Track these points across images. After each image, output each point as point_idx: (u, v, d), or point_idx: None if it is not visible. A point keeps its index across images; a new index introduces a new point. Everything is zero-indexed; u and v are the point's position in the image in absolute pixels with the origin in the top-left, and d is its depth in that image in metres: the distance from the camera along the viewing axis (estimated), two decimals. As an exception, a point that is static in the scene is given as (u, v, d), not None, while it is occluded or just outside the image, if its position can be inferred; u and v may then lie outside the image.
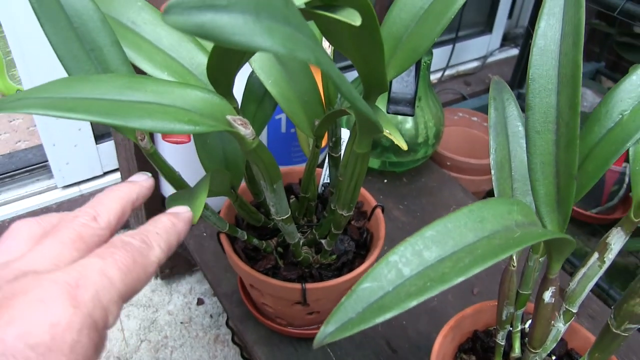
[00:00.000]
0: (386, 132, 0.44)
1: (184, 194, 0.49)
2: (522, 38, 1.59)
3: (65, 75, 0.51)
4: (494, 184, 0.56)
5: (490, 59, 1.73)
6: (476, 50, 1.71)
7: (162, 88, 0.41)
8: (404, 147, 0.44)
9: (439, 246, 0.36)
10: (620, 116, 0.50)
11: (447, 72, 1.62)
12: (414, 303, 0.33)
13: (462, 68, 1.68)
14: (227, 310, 0.82)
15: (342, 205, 0.57)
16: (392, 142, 0.97)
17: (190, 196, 0.47)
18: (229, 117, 0.42)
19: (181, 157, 0.85)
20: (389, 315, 0.32)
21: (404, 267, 0.35)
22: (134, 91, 0.40)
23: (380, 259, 0.34)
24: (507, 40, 1.80)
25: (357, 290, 0.34)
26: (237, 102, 0.54)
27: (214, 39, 0.26)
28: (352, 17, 0.33)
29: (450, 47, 1.55)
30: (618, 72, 1.84)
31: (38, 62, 0.94)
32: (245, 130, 0.43)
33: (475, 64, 1.72)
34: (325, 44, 0.58)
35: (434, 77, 1.58)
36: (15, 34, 0.90)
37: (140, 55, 0.51)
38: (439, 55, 1.57)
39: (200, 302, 1.06)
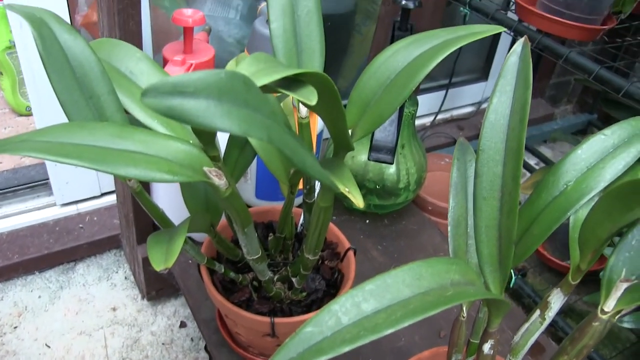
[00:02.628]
0: (345, 190, 0.49)
1: (164, 235, 0.54)
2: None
3: None
4: (449, 240, 0.61)
5: (484, 105, 1.79)
6: (471, 96, 1.77)
7: (148, 138, 0.47)
8: (360, 204, 0.49)
9: (377, 299, 0.41)
10: (565, 186, 0.55)
11: (441, 116, 1.68)
12: (347, 349, 0.37)
13: (456, 112, 1.74)
14: (205, 335, 0.87)
15: (308, 250, 0.62)
16: (376, 185, 1.03)
17: (169, 238, 0.52)
18: (205, 169, 0.47)
19: (171, 190, 0.90)
20: (324, 358, 0.37)
21: (343, 316, 0.40)
22: (123, 140, 0.46)
23: (323, 306, 0.39)
24: (502, 88, 1.85)
25: (300, 333, 0.39)
26: (219, 149, 0.59)
27: (181, 120, 0.32)
28: (309, 97, 0.38)
29: (444, 92, 1.61)
30: (609, 124, 1.89)
31: (46, 84, 0.99)
32: (219, 181, 0.48)
33: (469, 109, 1.77)
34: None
35: (427, 120, 1.64)
36: (27, 56, 0.96)
37: (134, 103, 0.57)
38: (433, 99, 1.62)
39: (182, 324, 1.10)
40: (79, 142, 0.44)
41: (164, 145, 0.47)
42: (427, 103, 1.63)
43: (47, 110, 1.01)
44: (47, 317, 1.08)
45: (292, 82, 0.41)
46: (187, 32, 0.81)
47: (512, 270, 1.16)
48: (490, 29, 0.56)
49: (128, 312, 1.11)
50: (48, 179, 1.14)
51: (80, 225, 1.15)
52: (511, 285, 1.19)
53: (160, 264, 0.49)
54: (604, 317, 0.48)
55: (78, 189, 1.16)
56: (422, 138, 1.59)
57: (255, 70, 0.39)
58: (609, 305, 0.48)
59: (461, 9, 1.20)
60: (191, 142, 0.49)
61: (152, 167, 0.44)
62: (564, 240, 1.33)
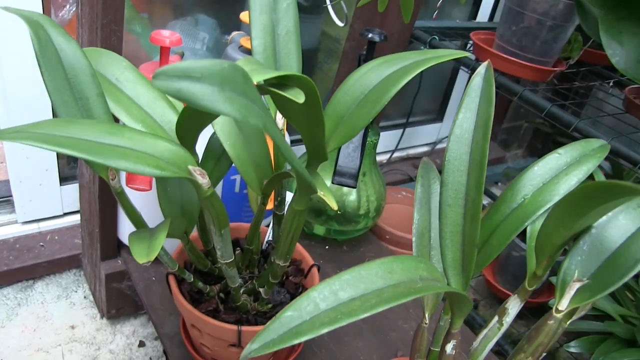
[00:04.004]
0: (320, 193, 0.53)
1: (144, 233, 0.56)
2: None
3: (38, 117, 0.57)
4: (413, 249, 0.64)
5: (439, 146, 1.86)
6: (427, 136, 1.83)
7: (136, 136, 0.49)
8: (334, 207, 0.52)
9: (352, 288, 0.44)
10: (523, 199, 0.60)
11: (397, 154, 1.73)
12: (325, 330, 0.40)
13: (412, 151, 1.80)
14: (168, 350, 0.88)
15: (280, 255, 0.64)
16: (336, 211, 1.06)
17: (150, 236, 0.55)
18: (190, 167, 0.50)
19: (140, 203, 0.91)
20: (303, 339, 0.40)
21: (321, 302, 0.42)
22: (113, 136, 0.48)
23: (302, 293, 0.42)
24: (456, 130, 1.93)
25: (281, 317, 0.41)
26: (198, 157, 0.62)
27: (188, 101, 0.35)
28: (297, 96, 0.42)
29: (401, 130, 1.66)
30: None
31: (17, 97, 1.00)
32: (202, 179, 0.51)
33: (425, 148, 1.84)
34: (279, 116, 0.67)
35: (383, 157, 1.69)
36: (0, 74, 0.97)
37: (120, 108, 0.59)
38: (390, 137, 1.68)
39: (141, 344, 1.11)
40: (71, 135, 0.46)
41: (152, 144, 0.49)
42: (385, 141, 1.69)
43: (16, 122, 1.02)
44: (3, 333, 1.06)
45: (277, 86, 0.45)
46: (164, 52, 0.84)
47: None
48: (454, 53, 0.61)
49: (87, 331, 1.10)
50: (11, 195, 1.14)
51: (41, 244, 1.15)
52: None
53: (142, 257, 0.51)
54: (559, 315, 0.52)
55: (41, 208, 1.16)
56: (379, 173, 1.64)
57: (249, 69, 0.42)
58: (563, 304, 0.52)
59: (422, 47, 1.26)
60: (176, 142, 0.51)
61: (141, 161, 0.47)
62: (515, 272, 1.38)
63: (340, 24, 1.12)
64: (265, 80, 0.44)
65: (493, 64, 1.18)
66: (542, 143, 2.07)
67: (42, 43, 0.52)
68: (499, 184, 1.97)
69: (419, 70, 0.57)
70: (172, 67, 0.34)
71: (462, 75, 1.77)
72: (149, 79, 0.84)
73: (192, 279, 0.72)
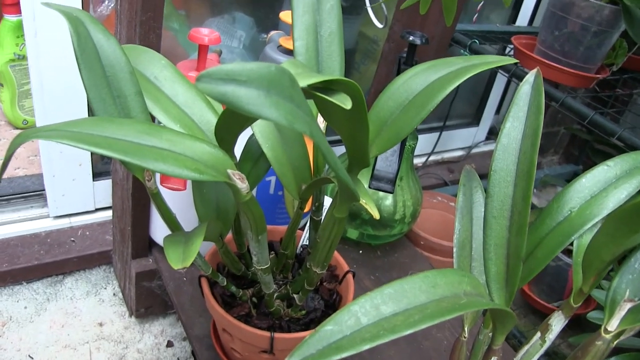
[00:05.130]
0: (362, 201, 0.51)
1: (180, 237, 0.55)
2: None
3: (73, 112, 0.56)
4: (454, 260, 0.62)
5: (474, 150, 1.83)
6: (462, 140, 1.81)
7: (175, 138, 0.48)
8: (376, 215, 0.51)
9: (395, 302, 0.42)
10: (569, 212, 0.57)
11: (433, 158, 1.71)
12: (367, 347, 0.38)
13: (447, 155, 1.77)
14: (197, 352, 0.87)
15: (317, 263, 0.63)
16: (371, 216, 1.04)
17: (186, 241, 0.53)
18: (229, 171, 0.49)
19: (174, 204, 0.91)
20: (344, 355, 0.38)
21: (363, 317, 0.41)
22: (151, 137, 0.47)
23: (343, 307, 0.40)
24: (492, 134, 1.90)
25: (320, 331, 0.39)
26: (236, 159, 0.61)
27: (233, 105, 0.33)
28: (344, 101, 0.40)
29: (437, 134, 1.64)
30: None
31: (53, 96, 1.00)
32: (241, 184, 0.49)
33: (460, 152, 1.81)
34: (320, 119, 0.65)
35: (419, 161, 1.67)
36: (38, 66, 0.97)
37: (157, 107, 0.58)
38: (426, 141, 1.66)
39: (169, 344, 1.10)
40: (108, 135, 0.45)
41: (190, 145, 0.48)
42: (421, 144, 1.66)
43: (52, 122, 1.02)
44: (32, 328, 1.07)
45: (324, 90, 0.43)
46: (202, 50, 0.83)
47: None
48: (502, 59, 0.59)
49: (115, 329, 1.10)
50: (44, 190, 1.14)
51: (72, 239, 1.15)
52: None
53: (178, 263, 0.50)
54: (607, 336, 0.50)
55: (73, 203, 1.16)
56: (413, 177, 1.61)
57: (295, 72, 0.41)
58: (613, 324, 0.49)
59: (462, 51, 1.24)
60: (215, 145, 0.50)
61: (180, 163, 0.45)
62: (551, 282, 1.35)
63: (380, 26, 1.10)
64: (309, 85, 0.42)
65: (533, 69, 1.15)
66: (579, 149, 2.03)
67: (81, 39, 0.51)
68: (535, 190, 1.93)
69: (466, 77, 0.56)
70: (217, 69, 0.33)
71: (500, 79, 1.74)
72: (186, 77, 0.83)
73: (225, 283, 0.71)
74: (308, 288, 0.68)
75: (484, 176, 0.59)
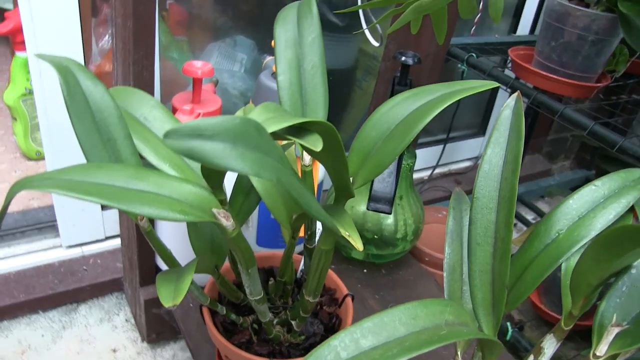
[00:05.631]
0: (345, 234, 0.52)
1: (172, 275, 0.56)
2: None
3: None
4: (444, 285, 0.63)
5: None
6: (469, 150, 1.81)
7: (161, 180, 0.49)
8: (360, 248, 0.52)
9: (374, 336, 0.43)
10: (557, 234, 0.58)
11: (439, 170, 1.71)
12: (345, 381, 0.40)
13: (454, 167, 1.78)
14: (204, 378, 0.88)
15: (309, 292, 0.64)
16: (374, 235, 1.05)
17: (177, 278, 0.55)
18: (214, 210, 0.50)
19: (176, 231, 0.93)
20: (323, 389, 0.39)
21: (342, 351, 0.42)
22: (138, 181, 0.48)
23: (323, 342, 0.41)
24: (500, 143, 1.89)
25: (302, 366, 0.41)
26: (225, 193, 0.62)
27: (200, 160, 0.35)
28: (315, 144, 0.41)
29: (442, 146, 1.64)
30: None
31: (59, 129, 1.03)
32: (226, 222, 0.51)
33: (467, 163, 1.81)
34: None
35: (425, 174, 1.67)
36: (43, 102, 0.99)
37: (147, 147, 0.60)
38: (431, 154, 1.66)
39: (181, 368, 1.12)
40: (98, 181, 0.47)
41: (176, 187, 0.50)
42: (425, 157, 1.67)
43: (59, 153, 1.04)
44: (49, 355, 1.09)
45: (299, 130, 0.44)
46: (196, 82, 0.85)
47: (508, 323, 1.18)
48: (485, 84, 0.59)
49: (128, 354, 1.12)
50: (55, 220, 1.16)
51: (84, 267, 1.17)
52: (507, 337, 1.21)
53: (168, 301, 0.51)
54: (594, 360, 0.50)
55: (83, 232, 1.19)
56: (420, 191, 1.62)
57: (265, 118, 0.42)
58: (601, 349, 0.50)
59: (459, 65, 1.25)
60: (201, 184, 0.52)
61: (166, 206, 0.47)
62: (561, 293, 1.34)
63: (376, 44, 1.11)
64: (285, 127, 0.44)
65: (533, 81, 1.16)
66: (590, 155, 2.02)
67: (70, 88, 0.53)
68: (545, 197, 1.92)
69: (447, 104, 0.56)
70: (183, 126, 0.34)
71: (504, 88, 1.75)
72: (181, 110, 0.85)
73: (224, 312, 0.72)
74: (304, 315, 0.69)
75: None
